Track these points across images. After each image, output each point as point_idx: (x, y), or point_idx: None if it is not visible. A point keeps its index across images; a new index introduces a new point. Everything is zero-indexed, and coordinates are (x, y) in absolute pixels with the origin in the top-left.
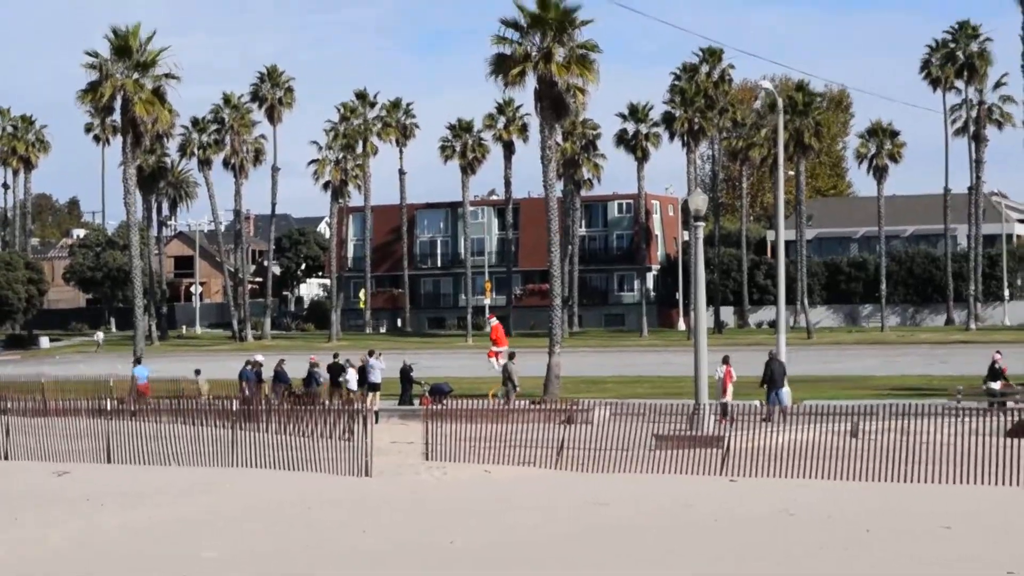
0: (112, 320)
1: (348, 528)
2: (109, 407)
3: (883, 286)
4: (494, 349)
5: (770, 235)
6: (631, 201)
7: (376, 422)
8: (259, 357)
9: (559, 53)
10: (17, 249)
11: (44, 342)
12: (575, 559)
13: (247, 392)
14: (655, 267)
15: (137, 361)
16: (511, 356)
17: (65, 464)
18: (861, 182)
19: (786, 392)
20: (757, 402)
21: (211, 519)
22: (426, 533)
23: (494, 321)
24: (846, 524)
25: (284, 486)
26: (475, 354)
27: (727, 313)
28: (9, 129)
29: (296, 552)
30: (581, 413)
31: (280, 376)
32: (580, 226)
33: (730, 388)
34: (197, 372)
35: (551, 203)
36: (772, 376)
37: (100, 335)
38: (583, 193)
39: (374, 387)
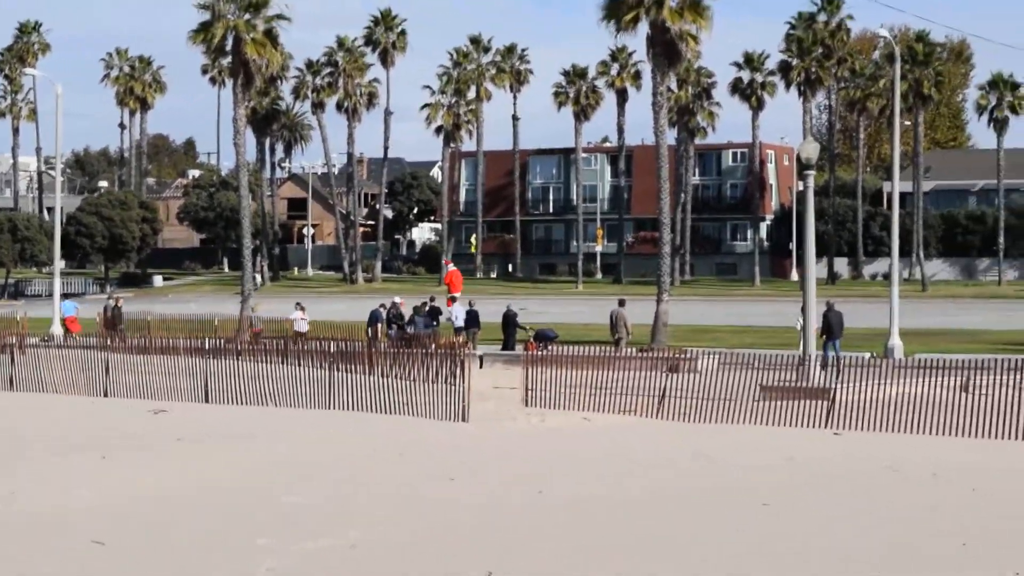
0: (224, 260)
1: (437, 474)
2: (208, 346)
3: (1001, 239)
4: (449, 296)
5: (886, 186)
6: (745, 150)
7: (480, 367)
8: (397, 299)
9: None
10: (132, 188)
11: (157, 280)
12: (660, 514)
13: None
14: (769, 217)
15: (65, 297)
16: (621, 303)
17: (163, 403)
18: (980, 134)
19: (897, 344)
20: (868, 354)
21: (297, 464)
22: (514, 483)
23: (451, 267)
24: (949, 482)
25: (378, 430)
26: (585, 300)
27: (841, 264)
28: (127, 69)
29: (377, 499)
30: (687, 362)
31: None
32: (694, 174)
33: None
34: (298, 305)
35: (662, 150)
36: (829, 326)
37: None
38: (697, 141)
39: (457, 331)
